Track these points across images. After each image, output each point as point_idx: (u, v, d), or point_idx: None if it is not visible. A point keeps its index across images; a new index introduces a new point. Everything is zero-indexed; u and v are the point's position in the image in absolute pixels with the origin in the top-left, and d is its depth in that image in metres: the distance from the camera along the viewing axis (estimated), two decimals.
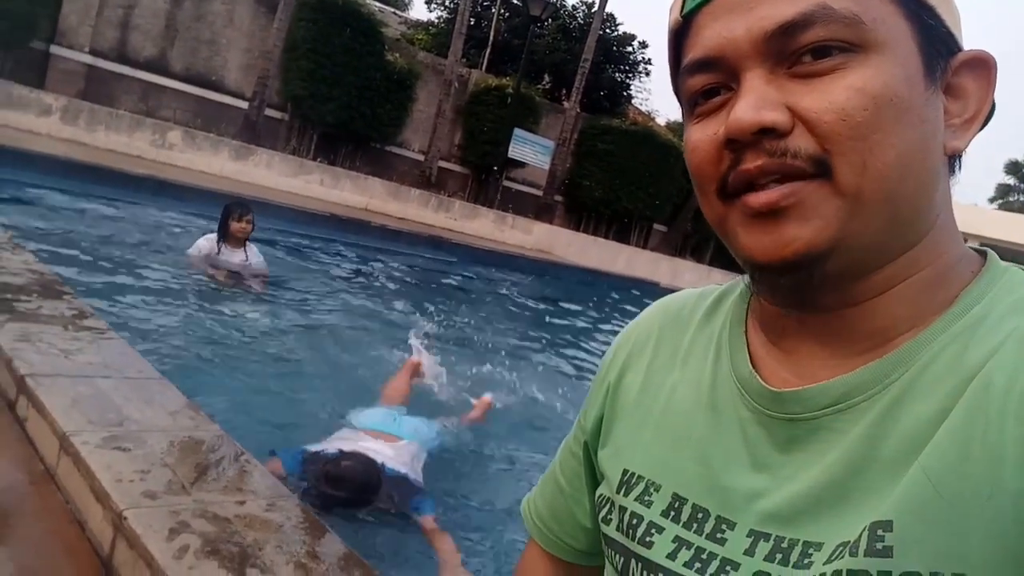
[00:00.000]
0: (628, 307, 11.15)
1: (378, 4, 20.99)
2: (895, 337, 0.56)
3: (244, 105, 15.13)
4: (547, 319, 8.91)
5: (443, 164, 18.44)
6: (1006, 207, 37.36)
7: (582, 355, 7.07)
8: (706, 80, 0.58)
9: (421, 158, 17.97)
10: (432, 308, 7.39)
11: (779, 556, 0.56)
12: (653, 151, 20.05)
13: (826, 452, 0.56)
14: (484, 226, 15.76)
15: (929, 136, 0.54)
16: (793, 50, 0.53)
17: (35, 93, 11.29)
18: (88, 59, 14.18)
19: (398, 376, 4.14)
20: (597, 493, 0.74)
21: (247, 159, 13.01)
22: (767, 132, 0.53)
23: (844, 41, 0.52)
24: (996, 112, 0.61)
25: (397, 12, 25.38)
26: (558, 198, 20.21)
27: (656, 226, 22.21)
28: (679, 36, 0.61)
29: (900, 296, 0.57)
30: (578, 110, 19.92)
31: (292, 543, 1.64)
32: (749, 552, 0.58)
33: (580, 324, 9.03)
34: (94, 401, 2.11)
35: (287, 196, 11.81)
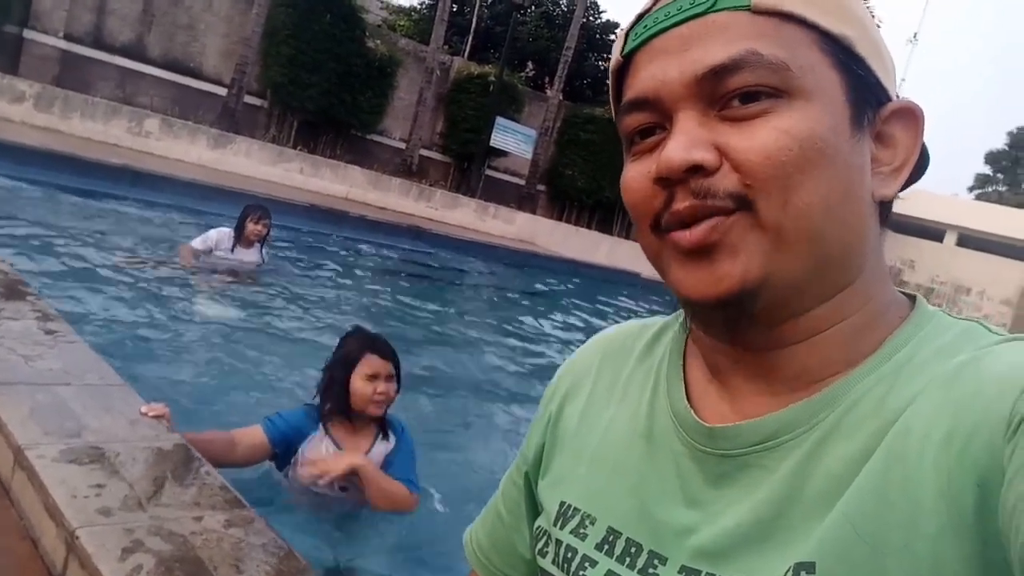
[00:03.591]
0: (607, 299, 11.18)
1: None
2: (825, 378, 0.57)
3: (223, 92, 14.94)
4: (524, 312, 8.90)
5: (424, 153, 18.34)
6: (984, 197, 37.72)
7: (552, 350, 7.07)
8: (642, 119, 0.59)
9: (402, 146, 17.85)
10: (407, 302, 7.35)
11: None
12: None
13: (754, 489, 0.57)
14: (466, 216, 15.70)
15: (855, 182, 0.55)
16: (723, 93, 0.54)
17: (7, 79, 11.10)
18: (63, 44, 13.94)
19: None
20: (535, 525, 0.74)
21: (225, 147, 12.88)
22: (695, 170, 0.54)
23: (771, 87, 0.53)
24: (928, 159, 0.61)
25: None
26: (541, 187, 20.16)
27: None
28: (620, 75, 0.62)
29: (830, 339, 0.58)
30: (561, 98, 19.86)
31: (250, 561, 1.62)
32: None
33: (556, 317, 9.02)
34: (52, 411, 2.07)
35: (266, 185, 11.70)
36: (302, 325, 5.40)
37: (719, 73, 0.54)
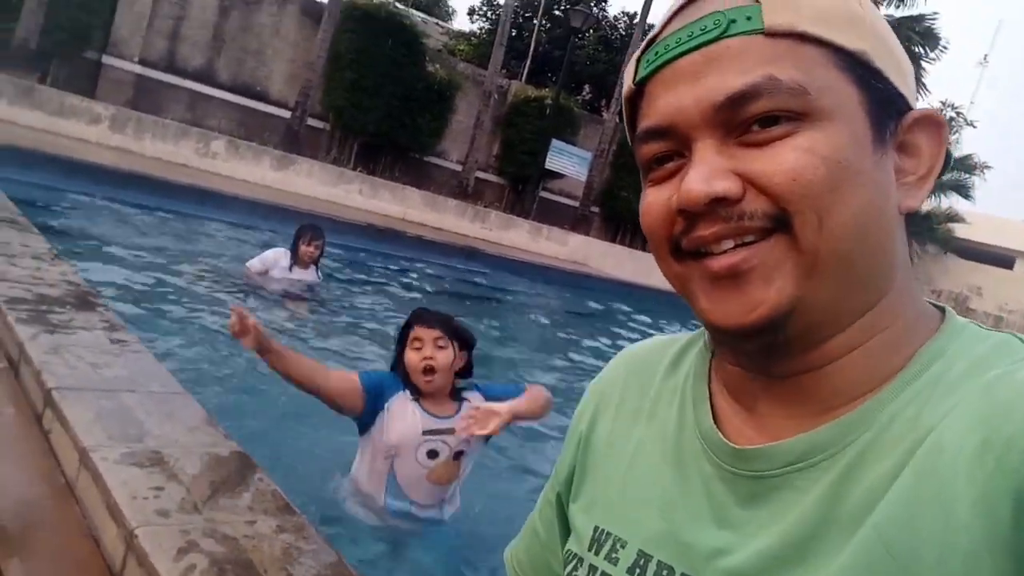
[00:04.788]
0: (661, 321, 11.06)
1: (421, 15, 21.20)
2: (856, 397, 0.56)
3: (287, 115, 15.39)
4: (576, 333, 8.87)
5: (480, 175, 18.52)
6: None
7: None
8: (659, 148, 0.59)
9: (459, 168, 18.07)
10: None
11: None
12: None
13: (786, 511, 0.56)
14: (520, 237, 15.77)
15: (881, 198, 0.55)
16: (741, 120, 0.54)
17: (85, 102, 11.63)
18: (138, 68, 14.57)
19: None
20: (565, 548, 0.74)
21: (288, 168, 13.23)
22: (719, 201, 0.54)
23: (790, 111, 0.53)
24: (951, 160, 0.60)
25: (440, 23, 25.57)
26: (595, 209, 20.14)
27: None
28: (633, 102, 0.62)
29: (861, 358, 0.57)
30: (617, 120, 19.84)
31: (299, 565, 1.66)
32: None
33: (609, 339, 8.97)
34: (116, 416, 2.16)
35: (327, 205, 11.98)
36: (358, 343, 5.49)
37: (737, 101, 0.53)
